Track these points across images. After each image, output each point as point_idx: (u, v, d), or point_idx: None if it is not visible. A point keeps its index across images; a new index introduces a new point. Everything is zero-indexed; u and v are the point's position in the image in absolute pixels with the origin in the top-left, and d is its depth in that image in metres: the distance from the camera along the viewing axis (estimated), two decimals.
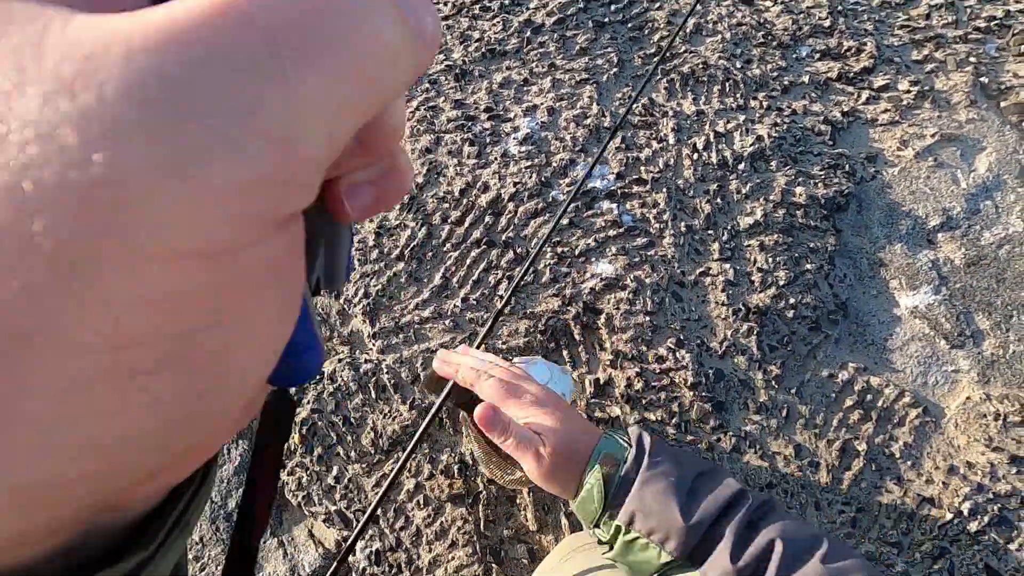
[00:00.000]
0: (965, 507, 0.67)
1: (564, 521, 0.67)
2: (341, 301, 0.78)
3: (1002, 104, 0.91)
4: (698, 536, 0.44)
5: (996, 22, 0.97)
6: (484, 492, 0.68)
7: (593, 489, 0.48)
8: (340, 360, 0.75)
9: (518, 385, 0.54)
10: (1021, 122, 0.90)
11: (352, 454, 0.71)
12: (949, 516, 0.67)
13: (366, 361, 0.75)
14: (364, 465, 0.71)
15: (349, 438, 0.72)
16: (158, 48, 0.09)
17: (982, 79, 0.92)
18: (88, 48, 0.08)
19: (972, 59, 0.94)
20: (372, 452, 0.71)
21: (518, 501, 0.68)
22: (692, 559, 0.44)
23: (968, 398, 0.74)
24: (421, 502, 0.69)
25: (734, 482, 0.48)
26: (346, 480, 0.70)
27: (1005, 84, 0.92)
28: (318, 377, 0.74)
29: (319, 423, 0.72)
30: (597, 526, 0.49)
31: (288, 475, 0.70)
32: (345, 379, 0.73)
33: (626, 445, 0.50)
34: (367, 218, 0.14)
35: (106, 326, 0.09)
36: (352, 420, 0.72)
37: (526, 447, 0.49)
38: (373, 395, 0.73)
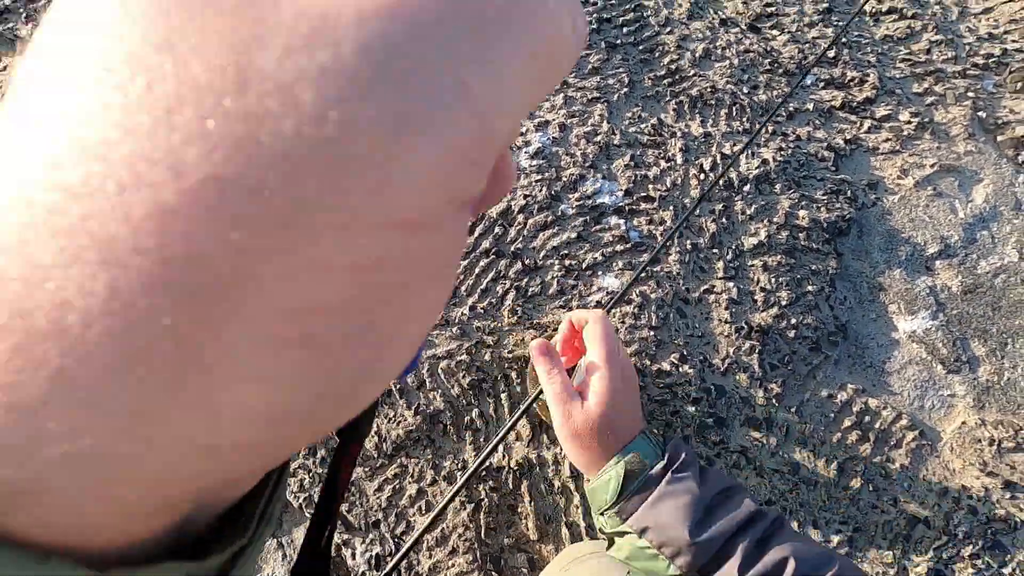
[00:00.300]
0: (960, 531, 0.68)
1: (565, 531, 0.68)
2: None
3: (999, 138, 0.94)
4: (708, 555, 0.45)
5: (994, 59, 1.00)
6: (486, 500, 0.69)
7: (611, 482, 0.48)
8: None
9: (615, 348, 0.54)
10: (1017, 156, 0.93)
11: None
12: (944, 539, 0.68)
13: None
14: (367, 469, 0.71)
15: None
16: (388, 14, 0.09)
17: (980, 113, 0.95)
18: (322, 8, 0.09)
19: (970, 94, 0.97)
20: (376, 456, 0.71)
21: (519, 510, 0.69)
22: (701, 574, 0.45)
23: (963, 423, 0.75)
24: (423, 508, 0.69)
25: (751, 503, 0.48)
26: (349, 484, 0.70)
27: (1002, 119, 0.95)
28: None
29: None
30: (602, 514, 0.50)
31: (291, 477, 0.70)
32: None
33: (657, 453, 0.50)
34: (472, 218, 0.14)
35: (307, 290, 0.09)
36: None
37: (567, 398, 0.50)
38: (378, 399, 0.73)
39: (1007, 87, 0.98)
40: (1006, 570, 0.67)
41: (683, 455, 0.50)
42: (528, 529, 0.68)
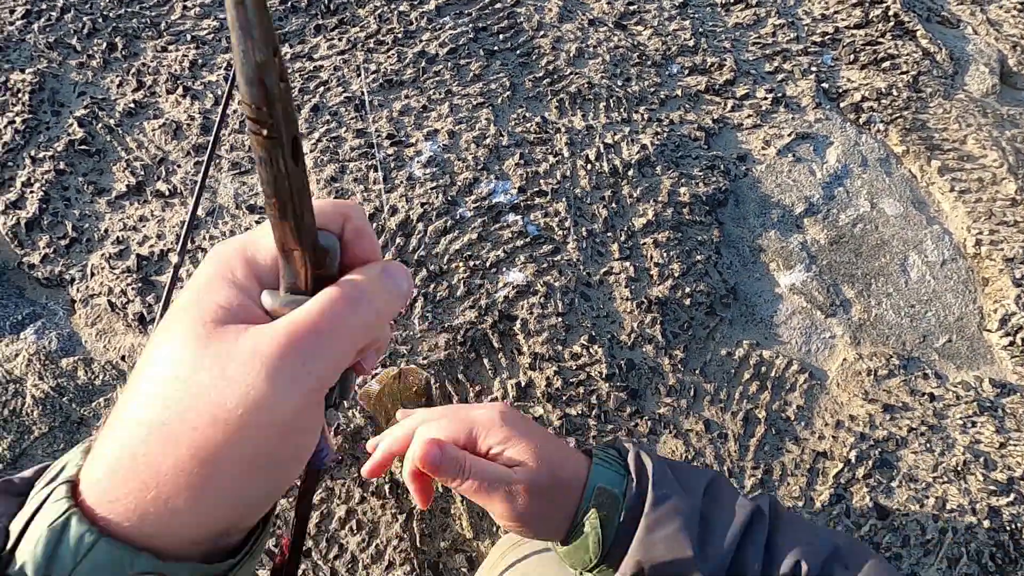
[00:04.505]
0: (852, 455, 0.75)
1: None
2: None
3: (841, 105, 1.05)
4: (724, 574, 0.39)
5: (829, 36, 1.12)
6: (417, 507, 0.68)
7: (589, 538, 0.40)
8: None
9: (467, 415, 0.42)
10: (858, 119, 1.04)
11: None
12: (840, 465, 0.75)
13: None
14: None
15: None
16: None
17: (823, 84, 1.07)
18: None
19: (813, 68, 1.08)
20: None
21: (452, 511, 0.69)
22: None
23: (844, 359, 0.83)
24: (354, 527, 0.68)
25: (744, 500, 0.42)
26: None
27: (842, 88, 1.07)
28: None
29: None
30: (590, 571, 0.42)
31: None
32: None
33: (621, 473, 0.41)
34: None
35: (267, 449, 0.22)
36: None
37: (492, 488, 0.39)
38: None
39: (843, 59, 1.11)
40: (894, 483, 0.74)
41: (650, 465, 0.41)
42: (463, 528, 0.68)
